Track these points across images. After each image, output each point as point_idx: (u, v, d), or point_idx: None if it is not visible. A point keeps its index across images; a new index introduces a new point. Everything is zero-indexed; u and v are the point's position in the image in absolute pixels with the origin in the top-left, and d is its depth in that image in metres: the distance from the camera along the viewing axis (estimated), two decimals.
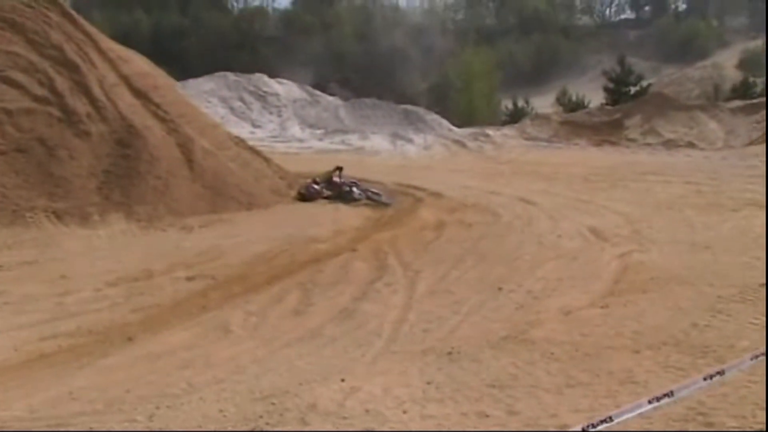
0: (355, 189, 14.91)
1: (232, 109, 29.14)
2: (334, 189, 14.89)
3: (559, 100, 36.89)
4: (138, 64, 14.80)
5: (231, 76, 31.79)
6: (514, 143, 25.34)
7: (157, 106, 13.66)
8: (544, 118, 28.33)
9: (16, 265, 9.22)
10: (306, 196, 14.66)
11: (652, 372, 5.25)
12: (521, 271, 9.07)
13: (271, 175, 15.13)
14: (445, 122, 29.34)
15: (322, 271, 9.34)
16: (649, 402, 3.93)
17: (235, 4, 61.25)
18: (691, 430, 4.24)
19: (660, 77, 43.66)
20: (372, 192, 15.01)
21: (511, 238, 11.10)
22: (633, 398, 4.45)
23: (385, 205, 14.50)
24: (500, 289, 8.29)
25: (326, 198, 14.68)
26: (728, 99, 30.25)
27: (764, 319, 6.22)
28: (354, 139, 26.31)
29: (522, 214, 13.03)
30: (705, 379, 4.28)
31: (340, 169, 15.33)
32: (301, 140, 26.81)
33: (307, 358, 6.35)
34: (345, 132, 27.65)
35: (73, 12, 13.98)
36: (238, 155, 14.70)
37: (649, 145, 24.04)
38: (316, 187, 14.88)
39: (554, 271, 9.05)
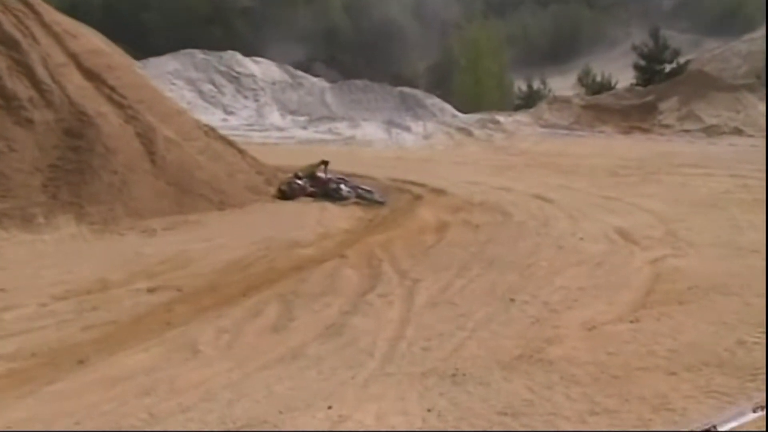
0: (343, 186, 14.95)
1: (200, 93, 29.18)
2: (320, 186, 14.95)
3: (582, 81, 37.01)
4: (90, 40, 14.77)
5: (199, 55, 31.83)
6: (529, 131, 25.36)
7: (113, 89, 13.64)
8: (564, 102, 28.38)
9: None
10: (287, 194, 14.72)
11: (691, 398, 5.24)
12: (536, 280, 9.07)
13: (246, 169, 15.16)
14: (448, 107, 29.38)
15: (306, 280, 9.34)
16: None
17: None
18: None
19: (700, 52, 43.56)
20: (363, 189, 15.06)
21: (524, 242, 11.12)
22: (668, 428, 4.42)
23: (379, 203, 14.54)
24: (512, 300, 8.29)
25: (310, 196, 14.73)
26: None
27: None
28: (343, 128, 26.28)
29: (537, 214, 13.04)
30: (755, 410, 4.15)
31: (325, 163, 15.37)
32: (281, 129, 26.79)
33: (288, 382, 6.33)
34: (332, 119, 27.66)
35: None
36: (208, 146, 14.73)
37: (687, 132, 24.15)
38: (298, 183, 14.94)
39: (575, 279, 9.04)
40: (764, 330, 6.50)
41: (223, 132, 17.04)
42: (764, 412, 4.47)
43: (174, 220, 12.13)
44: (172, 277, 9.37)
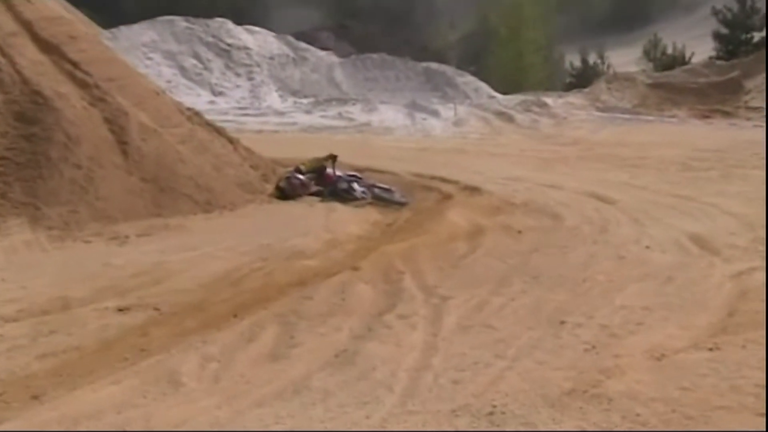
0: (356, 184, 15.07)
1: (182, 70, 29.26)
2: (327, 183, 15.08)
3: (649, 54, 36.95)
4: (47, 5, 14.82)
5: (181, 23, 31.97)
6: (583, 116, 25.27)
7: (75, 65, 13.69)
8: (627, 80, 28.32)
9: None
10: (287, 193, 14.82)
11: None
12: (592, 298, 9.06)
13: (238, 162, 15.23)
14: (483, 87, 29.38)
15: (311, 297, 9.32)
16: None
17: None
18: None
19: None
20: (380, 187, 15.15)
21: (577, 251, 11.13)
22: None
23: (399, 205, 14.62)
24: (562, 322, 8.27)
25: (315, 195, 14.84)
26: None
27: None
28: (356, 112, 26.25)
29: (593, 217, 13.06)
30: None
31: (334, 158, 15.44)
32: (280, 113, 26.82)
33: (288, 422, 6.32)
34: (343, 102, 27.66)
35: None
36: (192, 135, 14.79)
37: None
38: (300, 178, 15.02)
39: (640, 297, 9.01)
40: None
41: (210, 117, 17.11)
42: None
43: (150, 224, 12.15)
44: (147, 294, 9.36)
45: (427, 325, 8.36)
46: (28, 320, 8.52)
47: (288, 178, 15.09)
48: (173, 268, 10.29)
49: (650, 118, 25.13)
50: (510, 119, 25.13)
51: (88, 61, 13.96)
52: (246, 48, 31.23)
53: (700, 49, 34.48)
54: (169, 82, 26.51)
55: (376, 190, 15.04)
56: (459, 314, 8.64)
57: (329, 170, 15.31)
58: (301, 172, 15.11)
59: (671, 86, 27.07)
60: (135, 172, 12.90)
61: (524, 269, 10.28)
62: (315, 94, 29.17)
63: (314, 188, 14.99)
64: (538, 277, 9.91)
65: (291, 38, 33.60)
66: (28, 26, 13.66)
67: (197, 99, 24.32)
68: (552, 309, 8.71)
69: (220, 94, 28.62)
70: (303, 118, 26.26)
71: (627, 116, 25.20)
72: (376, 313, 8.79)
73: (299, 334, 8.21)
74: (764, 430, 4.43)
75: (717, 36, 34.09)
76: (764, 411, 5.78)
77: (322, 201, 14.59)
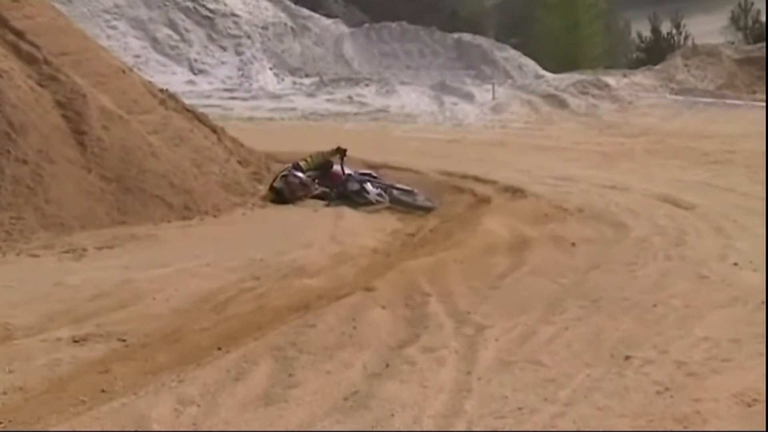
0: (369, 185, 15.20)
1: (154, 42, 29.34)
2: (334, 184, 15.18)
3: (737, 22, 36.79)
4: None
5: None
6: (653, 100, 25.23)
7: (19, 35, 13.77)
8: (709, 55, 28.24)
9: None
10: (283, 195, 14.92)
11: None
12: (666, 327, 9.02)
13: (223, 157, 15.35)
14: (529, 63, 29.37)
15: (314, 325, 9.28)
16: None
17: None
18: None
19: None
20: (400, 189, 15.30)
21: (647, 269, 11.12)
22: None
23: (424, 210, 14.78)
24: (628, 358, 8.24)
25: (319, 198, 14.98)
26: None
27: None
28: (369, 95, 26.26)
29: (666, 226, 13.09)
30: None
31: (342, 152, 15.53)
32: (276, 96, 26.84)
33: None
34: (354, 82, 27.67)
35: None
36: (167, 123, 14.92)
37: None
38: (300, 177, 15.12)
39: (726, 326, 8.96)
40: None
41: (189, 101, 17.29)
42: None
43: (114, 234, 12.19)
44: (110, 321, 9.33)
45: (459, 361, 8.34)
46: None
47: (285, 176, 15.13)
48: (142, 289, 10.27)
49: (738, 102, 25.07)
50: (562, 104, 25.09)
51: (36, 30, 14.00)
52: (233, 15, 31.31)
53: None
54: (137, 57, 26.58)
55: (395, 192, 15.17)
56: (498, 347, 8.63)
57: (336, 167, 15.40)
58: (301, 170, 15.15)
59: (764, 62, 26.97)
60: (94, 168, 12.95)
61: (580, 291, 10.29)
62: (319, 73, 29.25)
63: (318, 190, 15.13)
64: (598, 300, 9.92)
65: (289, 2, 33.68)
66: None
67: (172, 78, 24.37)
68: (615, 341, 8.69)
69: (201, 72, 28.71)
70: (304, 103, 26.27)
71: (709, 100, 25.17)
72: (396, 345, 8.78)
73: (299, 372, 8.17)
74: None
75: None
76: None
77: (327, 205, 14.71)
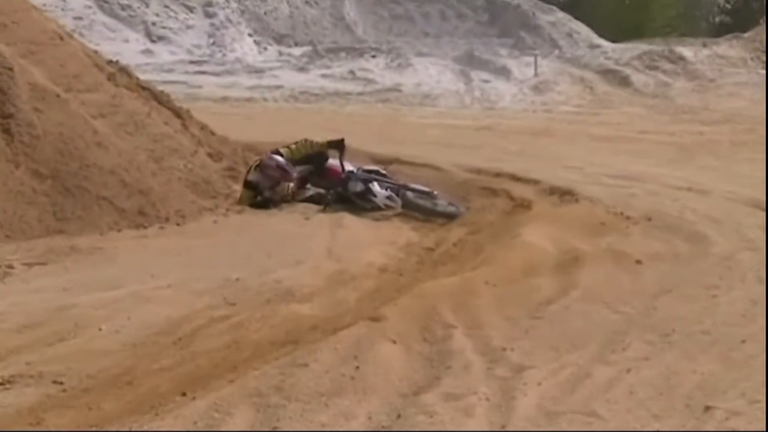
0: (376, 186, 15.15)
1: (101, 2, 29.34)
2: (331, 183, 15.16)
3: None
4: None
5: None
6: (742, 77, 25.22)
7: None
8: None
9: None
10: (262, 191, 15.02)
11: None
12: (756, 370, 8.88)
13: (189, 148, 15.36)
14: (582, 30, 29.37)
15: (305, 365, 9.08)
16: None
17: None
18: None
19: None
20: (416, 190, 15.25)
21: (732, 294, 11.01)
22: None
23: (446, 217, 14.79)
24: (708, 409, 8.11)
25: (313, 201, 15.03)
26: None
27: None
28: (378, 70, 26.31)
29: (757, 239, 13.01)
30: None
31: (341, 143, 15.44)
32: (257, 70, 26.95)
33: None
34: (357, 53, 27.67)
35: None
36: (117, 104, 14.90)
37: None
38: (278, 160, 15.19)
39: None
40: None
41: (146, 76, 17.25)
42: None
43: (49, 246, 12.21)
44: (43, 359, 9.23)
45: (491, 411, 8.18)
46: None
47: (260, 164, 15.19)
48: (84, 317, 10.19)
49: None
50: (624, 81, 25.13)
51: None
52: None
53: None
54: (79, 19, 26.60)
55: (410, 195, 15.14)
56: (541, 393, 8.48)
57: (333, 162, 15.42)
58: (279, 154, 15.26)
59: None
60: (24, 162, 12.98)
61: (647, 322, 10.16)
62: (312, 41, 29.29)
63: (310, 190, 15.32)
64: (670, 335, 9.77)
65: None
66: None
67: (124, 47, 24.43)
68: (692, 386, 8.56)
69: (161, 39, 28.83)
70: (293, 79, 26.32)
71: None
72: (410, 390, 8.64)
73: (286, 424, 8.04)
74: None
75: None
76: None
77: (323, 211, 14.70)
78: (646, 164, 17.37)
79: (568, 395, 8.48)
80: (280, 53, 28.50)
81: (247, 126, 17.56)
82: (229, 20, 29.87)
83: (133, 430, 7.24)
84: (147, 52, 26.75)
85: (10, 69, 13.48)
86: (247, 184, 15.09)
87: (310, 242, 13.19)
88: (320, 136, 15.71)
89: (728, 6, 36.18)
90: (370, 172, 15.47)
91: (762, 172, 16.30)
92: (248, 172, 15.29)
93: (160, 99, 16.10)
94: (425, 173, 16.24)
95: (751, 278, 11.50)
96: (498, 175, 16.59)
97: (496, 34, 28.96)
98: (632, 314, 10.40)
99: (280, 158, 15.14)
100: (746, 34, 28.81)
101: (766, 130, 19.69)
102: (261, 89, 25.01)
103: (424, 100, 24.31)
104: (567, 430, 7.85)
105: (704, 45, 28.10)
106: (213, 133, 16.24)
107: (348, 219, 14.41)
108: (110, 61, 16.35)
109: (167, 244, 12.88)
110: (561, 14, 29.90)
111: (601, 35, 29.54)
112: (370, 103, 22.69)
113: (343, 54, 27.95)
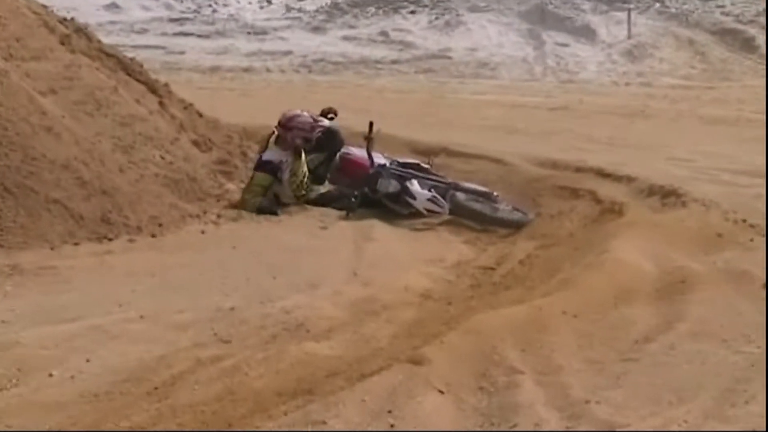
0: (415, 185, 14.62)
1: None
2: (356, 182, 14.55)
3: None
4: None
5: None
6: None
7: None
8: None
9: None
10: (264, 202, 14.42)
11: None
12: None
13: (169, 135, 15.05)
14: None
15: (323, 422, 8.07)
16: None
17: None
18: None
19: None
20: (469, 191, 14.74)
21: None
22: None
23: (510, 226, 14.20)
24: None
25: (329, 204, 14.52)
26: None
27: None
28: (418, 30, 26.69)
29: None
30: None
31: (369, 135, 14.69)
32: (258, 32, 27.34)
33: None
34: (391, 7, 27.90)
35: None
36: (73, 77, 14.59)
37: None
38: (305, 116, 14.76)
39: None
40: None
41: (111, 39, 17.31)
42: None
43: None
44: None
45: None
46: None
47: (281, 129, 14.45)
48: (30, 358, 9.21)
49: None
50: (747, 45, 24.77)
51: None
52: None
53: None
54: None
55: (461, 197, 14.52)
56: None
57: (357, 152, 14.92)
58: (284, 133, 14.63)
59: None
60: None
61: None
62: None
63: (332, 191, 14.64)
64: None
65: None
66: None
67: (89, 6, 23.22)
68: None
69: None
70: (306, 42, 26.97)
71: None
72: None
73: None
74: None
75: None
76: None
77: (346, 217, 14.02)
78: None
79: None
80: (288, 8, 27.84)
81: (244, 105, 17.77)
82: None
83: None
84: (112, 6, 26.21)
85: None
86: (263, 166, 14.04)
87: (328, 259, 12.50)
88: (342, 119, 15.01)
89: None
90: (407, 166, 14.84)
91: None
92: (264, 148, 14.31)
93: (129, 69, 15.98)
94: (482, 168, 16.08)
95: None
96: (579, 170, 16.07)
97: None
98: (758, 355, 9.08)
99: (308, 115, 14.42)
100: None
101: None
102: (263, 56, 24.56)
103: (480, 71, 23.86)
104: None
105: None
106: (200, 115, 16.10)
107: (378, 229, 13.70)
108: (64, 20, 16.06)
109: (139, 262, 11.90)
110: None
111: None
112: (409, 74, 22.56)
113: (371, 9, 27.39)
